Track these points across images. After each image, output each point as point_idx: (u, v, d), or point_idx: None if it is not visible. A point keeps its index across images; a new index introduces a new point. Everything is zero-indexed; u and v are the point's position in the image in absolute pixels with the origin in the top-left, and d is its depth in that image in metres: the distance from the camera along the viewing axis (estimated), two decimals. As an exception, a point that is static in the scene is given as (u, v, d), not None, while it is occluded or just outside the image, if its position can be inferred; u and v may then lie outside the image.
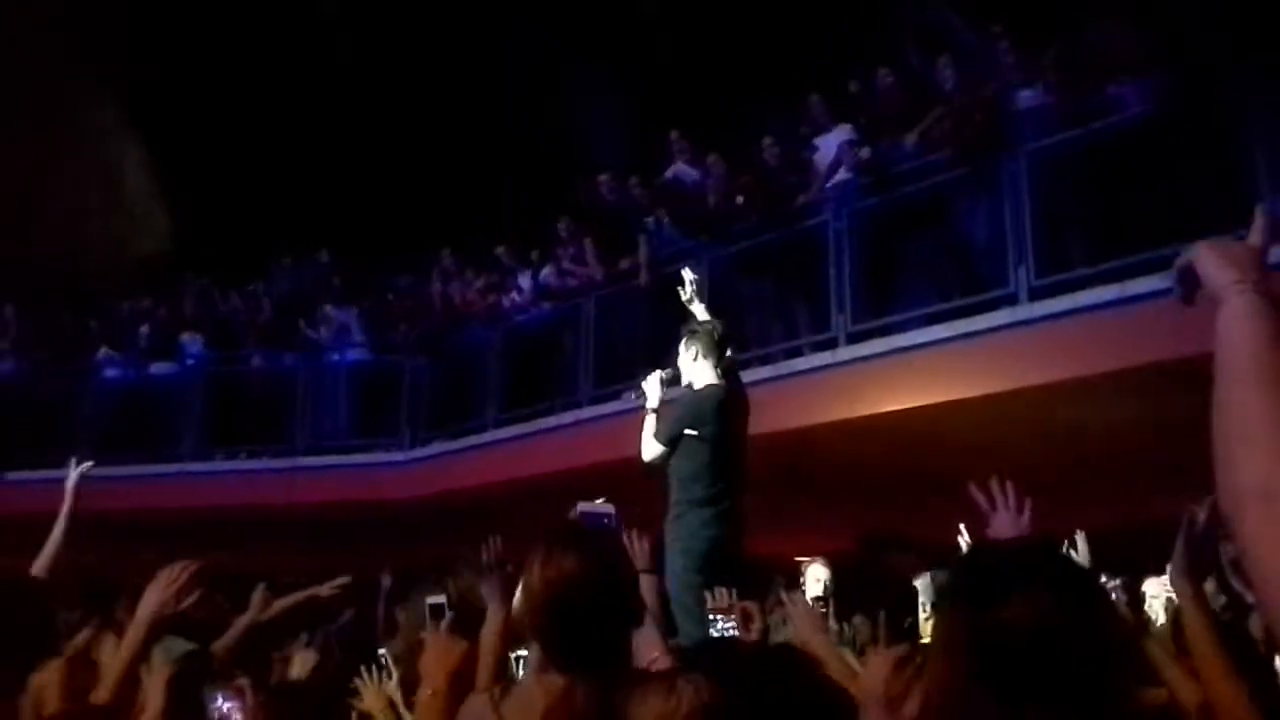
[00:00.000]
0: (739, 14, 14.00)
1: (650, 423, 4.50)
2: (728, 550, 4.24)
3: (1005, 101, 7.54)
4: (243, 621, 3.81)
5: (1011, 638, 1.25)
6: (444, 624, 2.76)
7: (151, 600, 2.59)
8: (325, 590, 4.25)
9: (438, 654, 2.22)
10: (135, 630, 2.59)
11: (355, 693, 3.13)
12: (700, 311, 4.81)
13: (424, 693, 2.19)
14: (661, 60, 14.33)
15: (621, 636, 2.04)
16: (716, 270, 8.87)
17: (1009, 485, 2.68)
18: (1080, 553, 3.16)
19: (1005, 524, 2.61)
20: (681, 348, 4.63)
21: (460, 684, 2.17)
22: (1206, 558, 2.50)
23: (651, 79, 14.12)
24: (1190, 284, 1.32)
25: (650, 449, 4.44)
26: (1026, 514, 2.65)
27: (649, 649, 2.50)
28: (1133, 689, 1.27)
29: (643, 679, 1.93)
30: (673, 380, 4.65)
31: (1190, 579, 2.42)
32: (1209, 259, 1.29)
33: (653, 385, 4.63)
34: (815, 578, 5.42)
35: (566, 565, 1.99)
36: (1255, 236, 1.35)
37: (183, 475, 11.55)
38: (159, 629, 2.62)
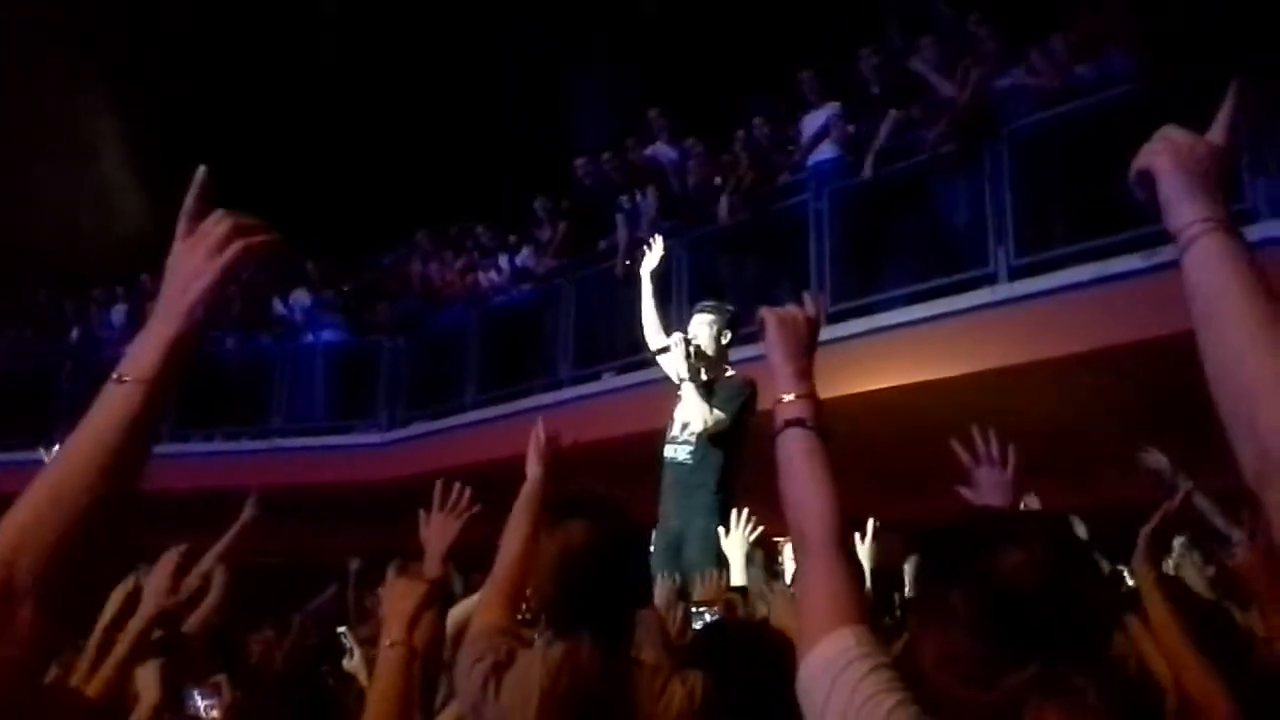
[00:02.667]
0: (735, 9, 13.96)
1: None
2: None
3: (987, 83, 7.51)
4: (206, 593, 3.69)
5: (1007, 587, 1.20)
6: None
7: (156, 589, 2.46)
8: (246, 515, 4.36)
9: (396, 599, 1.97)
10: (138, 621, 2.44)
11: (331, 673, 3.08)
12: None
13: (383, 643, 1.93)
14: (658, 55, 14.22)
15: (628, 611, 2.00)
16: (697, 250, 8.83)
17: (990, 435, 2.35)
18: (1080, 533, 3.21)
19: (989, 482, 2.30)
20: (708, 323, 4.73)
21: (422, 632, 1.98)
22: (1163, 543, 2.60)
23: (648, 76, 14.00)
24: (1150, 187, 1.14)
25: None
26: (1011, 468, 2.31)
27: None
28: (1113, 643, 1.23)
29: (638, 669, 1.93)
30: (696, 352, 4.65)
31: (1153, 564, 2.49)
32: (1168, 179, 1.12)
33: (678, 356, 4.67)
34: (791, 556, 5.44)
35: (574, 532, 1.96)
36: (1219, 131, 1.17)
37: (157, 457, 11.35)
38: (164, 620, 2.48)
